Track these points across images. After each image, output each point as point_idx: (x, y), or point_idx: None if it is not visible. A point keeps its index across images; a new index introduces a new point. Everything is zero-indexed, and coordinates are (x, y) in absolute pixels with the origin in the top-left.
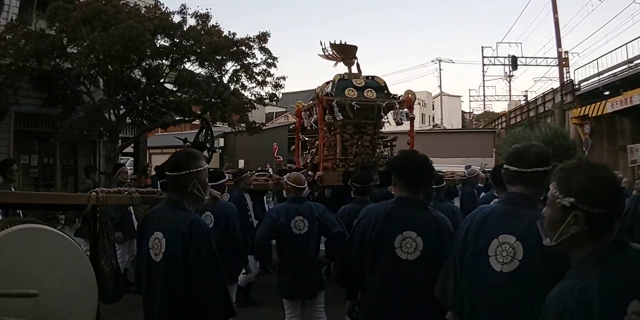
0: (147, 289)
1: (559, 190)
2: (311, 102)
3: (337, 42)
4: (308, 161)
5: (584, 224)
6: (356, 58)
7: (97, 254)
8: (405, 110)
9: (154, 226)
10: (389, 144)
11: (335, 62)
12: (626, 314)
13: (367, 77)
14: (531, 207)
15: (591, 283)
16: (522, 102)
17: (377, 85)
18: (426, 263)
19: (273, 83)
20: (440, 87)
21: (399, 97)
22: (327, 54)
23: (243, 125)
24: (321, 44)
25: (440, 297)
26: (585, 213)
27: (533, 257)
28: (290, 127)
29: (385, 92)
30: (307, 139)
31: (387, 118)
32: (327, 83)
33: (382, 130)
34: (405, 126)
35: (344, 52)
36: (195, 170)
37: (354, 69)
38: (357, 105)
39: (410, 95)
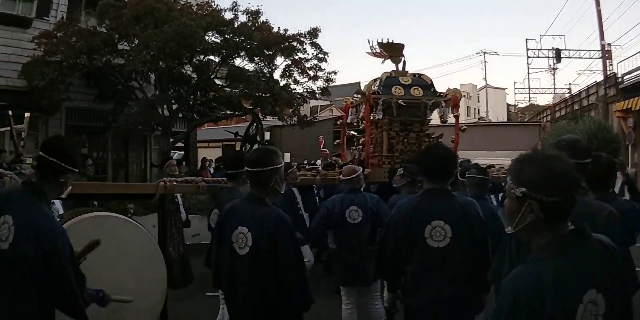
0: (229, 281)
1: (513, 181)
2: (358, 98)
3: (384, 41)
4: (356, 157)
5: (538, 212)
6: (403, 56)
7: (165, 241)
8: (451, 108)
9: (236, 221)
10: (435, 140)
11: (382, 60)
12: (582, 302)
13: (414, 75)
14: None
15: (546, 269)
16: (567, 95)
17: (423, 83)
18: (456, 249)
19: (324, 77)
20: (485, 79)
21: (445, 95)
22: (374, 52)
23: (295, 118)
24: (369, 42)
25: (494, 280)
26: (539, 201)
27: None
28: (338, 122)
29: (432, 90)
30: (353, 133)
31: (433, 115)
32: (374, 80)
33: (428, 126)
34: (451, 121)
35: (391, 50)
36: (277, 166)
37: (401, 67)
38: (403, 103)
39: (456, 94)
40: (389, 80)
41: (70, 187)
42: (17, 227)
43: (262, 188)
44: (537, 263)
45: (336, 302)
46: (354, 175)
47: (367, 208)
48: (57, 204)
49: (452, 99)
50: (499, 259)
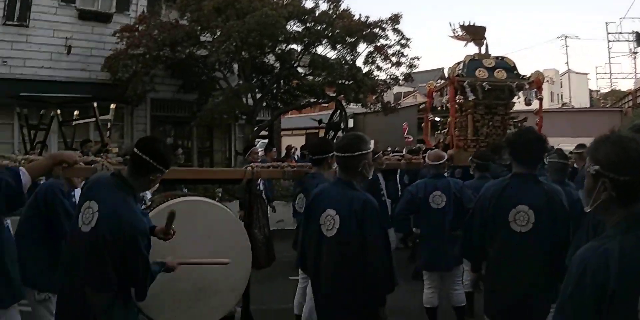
0: (315, 262)
1: (590, 160)
2: (442, 82)
3: (467, 24)
4: (440, 141)
5: (611, 190)
6: (485, 38)
7: (251, 223)
8: (535, 90)
9: (325, 204)
10: (519, 124)
11: (465, 42)
12: None
13: (496, 57)
14: None
15: (614, 246)
16: None
17: (507, 65)
18: (538, 235)
19: (407, 63)
20: (567, 64)
21: (529, 77)
22: (456, 35)
23: (379, 105)
24: (450, 25)
25: None
26: (611, 180)
27: None
28: (420, 106)
29: (515, 72)
30: (437, 119)
31: (518, 98)
32: (458, 63)
33: (512, 110)
34: (534, 106)
35: (474, 33)
36: (365, 152)
37: (483, 50)
38: (487, 85)
39: (539, 76)
40: (472, 63)
41: (157, 184)
42: (101, 215)
43: (351, 173)
44: (606, 240)
45: (416, 287)
46: (440, 162)
47: (450, 193)
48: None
49: (535, 82)
50: (575, 244)
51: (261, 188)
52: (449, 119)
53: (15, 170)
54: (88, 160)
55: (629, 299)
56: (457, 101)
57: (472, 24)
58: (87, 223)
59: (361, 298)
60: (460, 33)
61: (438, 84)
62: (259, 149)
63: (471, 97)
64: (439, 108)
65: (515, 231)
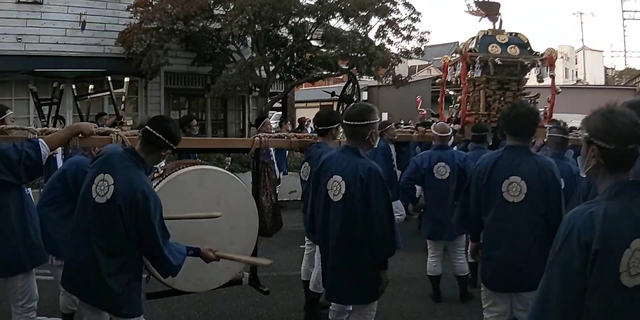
0: (323, 226)
1: (582, 128)
2: (457, 56)
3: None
4: (453, 115)
5: (599, 157)
6: (499, 14)
7: (258, 190)
8: (547, 67)
9: (332, 170)
10: (531, 100)
11: (479, 18)
12: (629, 247)
13: (510, 33)
14: None
15: (600, 209)
16: None
17: (520, 41)
18: (530, 205)
19: (418, 37)
20: (582, 40)
21: (541, 54)
22: (471, 10)
23: (390, 78)
24: (465, 1)
25: None
26: (599, 147)
27: None
28: (437, 80)
29: (528, 49)
30: (451, 93)
31: (530, 75)
32: (472, 39)
33: (525, 86)
34: (546, 82)
35: (488, 9)
36: (373, 121)
37: (497, 26)
38: (499, 61)
39: (551, 53)
40: (485, 39)
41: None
42: (117, 187)
43: (358, 141)
44: (593, 204)
45: (422, 257)
46: (446, 134)
47: (454, 164)
48: None
49: (547, 58)
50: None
51: (273, 159)
52: (459, 97)
53: (35, 141)
54: (103, 131)
55: (611, 260)
56: (470, 76)
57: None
58: (102, 195)
59: (365, 260)
60: (474, 8)
61: (452, 59)
62: (273, 121)
63: (478, 73)
64: (453, 82)
65: (508, 201)
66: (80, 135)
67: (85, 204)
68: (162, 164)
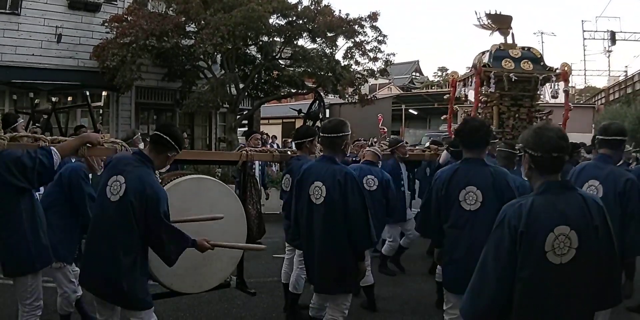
0: (307, 226)
1: (519, 140)
2: (469, 71)
3: (493, 12)
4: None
5: (530, 162)
6: (511, 28)
7: (245, 200)
8: (561, 83)
9: (313, 177)
10: (544, 117)
11: (490, 32)
12: (552, 231)
13: (523, 47)
14: (610, 163)
15: (528, 201)
16: (621, 78)
17: (533, 56)
18: (485, 212)
19: (384, 59)
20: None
21: (555, 69)
22: (482, 23)
23: (356, 97)
24: (476, 14)
25: None
26: (530, 155)
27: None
28: (445, 97)
29: (541, 64)
30: (457, 109)
31: (543, 91)
32: (483, 53)
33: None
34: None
35: (500, 22)
36: (347, 133)
37: (509, 40)
38: (514, 77)
39: (566, 68)
40: (499, 53)
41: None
42: (129, 185)
43: (334, 151)
44: (524, 198)
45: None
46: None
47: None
48: None
49: (562, 74)
50: None
51: (257, 172)
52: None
53: (48, 149)
54: (109, 141)
55: (536, 240)
56: (484, 92)
57: (498, 12)
58: (115, 193)
59: (346, 254)
60: (485, 22)
61: (462, 75)
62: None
63: (493, 88)
64: (462, 98)
65: (465, 209)
66: (89, 144)
67: (101, 204)
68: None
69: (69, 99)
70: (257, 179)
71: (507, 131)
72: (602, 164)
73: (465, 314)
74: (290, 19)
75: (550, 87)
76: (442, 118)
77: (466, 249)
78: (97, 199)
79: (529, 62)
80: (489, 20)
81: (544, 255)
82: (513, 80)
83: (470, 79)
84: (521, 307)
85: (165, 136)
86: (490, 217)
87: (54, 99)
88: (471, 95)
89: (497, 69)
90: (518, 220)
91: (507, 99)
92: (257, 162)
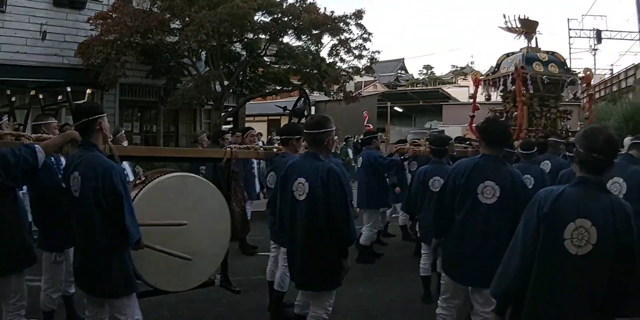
0: (290, 222)
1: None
2: (494, 72)
3: (522, 17)
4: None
5: (575, 156)
6: (536, 33)
7: (229, 198)
8: (583, 86)
9: (296, 173)
10: (565, 117)
11: (516, 35)
12: (573, 221)
13: (547, 52)
14: (635, 163)
15: (559, 190)
16: (606, 77)
17: (558, 60)
18: (501, 208)
19: (369, 56)
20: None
21: (578, 73)
22: (509, 26)
23: (341, 94)
24: (504, 17)
25: None
26: (576, 149)
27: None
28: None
29: (565, 67)
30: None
31: (567, 93)
32: (507, 55)
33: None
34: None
35: (528, 27)
36: (330, 129)
37: (533, 44)
38: (547, 79)
39: (589, 73)
40: (529, 56)
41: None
42: (82, 174)
43: (318, 147)
44: (559, 186)
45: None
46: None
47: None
48: (127, 169)
49: (585, 78)
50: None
51: (256, 172)
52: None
53: (32, 147)
54: None
55: (557, 225)
56: (510, 92)
57: (526, 17)
58: (76, 190)
59: (329, 251)
60: (515, 25)
61: (490, 75)
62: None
63: (531, 89)
64: (490, 99)
65: (481, 202)
66: (73, 141)
67: (71, 201)
68: (131, 177)
69: (59, 97)
70: (257, 178)
71: (540, 129)
72: (627, 162)
73: (493, 292)
74: (276, 16)
75: (571, 90)
76: (469, 115)
77: (477, 241)
78: (69, 196)
79: (555, 66)
80: (520, 24)
81: (562, 242)
82: (545, 82)
83: (499, 80)
84: (534, 285)
85: (88, 118)
86: (504, 213)
87: (39, 96)
88: (493, 96)
89: (533, 71)
90: (545, 202)
91: (536, 99)
92: (255, 161)
